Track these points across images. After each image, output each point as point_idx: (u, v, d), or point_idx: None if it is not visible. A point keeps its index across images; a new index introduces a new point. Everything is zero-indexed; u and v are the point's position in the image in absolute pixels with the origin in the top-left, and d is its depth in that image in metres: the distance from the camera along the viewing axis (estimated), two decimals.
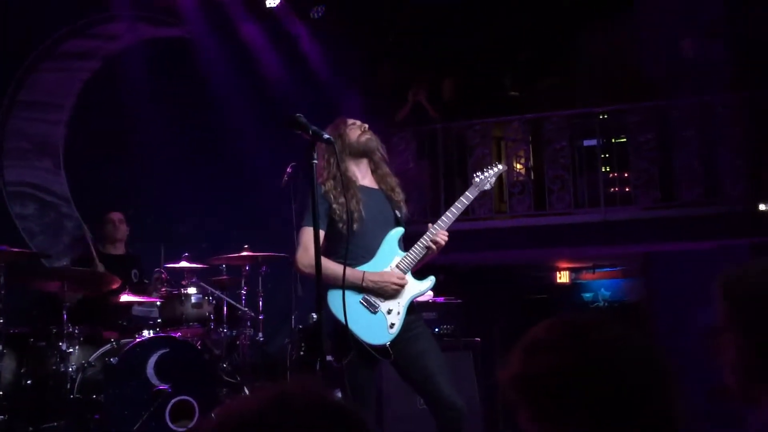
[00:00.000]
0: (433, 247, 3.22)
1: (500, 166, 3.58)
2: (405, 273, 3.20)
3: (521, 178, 8.14)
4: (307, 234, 3.06)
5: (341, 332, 2.96)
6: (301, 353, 5.40)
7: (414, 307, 3.23)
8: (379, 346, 3.08)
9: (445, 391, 3.07)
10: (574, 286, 9.38)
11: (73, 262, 5.63)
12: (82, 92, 6.71)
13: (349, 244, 3.03)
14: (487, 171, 3.51)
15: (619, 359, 1.22)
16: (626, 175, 7.77)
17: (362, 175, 3.34)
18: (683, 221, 7.17)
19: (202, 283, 5.45)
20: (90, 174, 6.55)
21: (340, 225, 3.13)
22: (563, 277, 9.55)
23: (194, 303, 5.28)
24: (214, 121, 7.05)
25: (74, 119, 6.64)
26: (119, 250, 5.76)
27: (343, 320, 2.93)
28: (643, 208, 7.46)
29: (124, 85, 6.66)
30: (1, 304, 4.61)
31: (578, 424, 1.18)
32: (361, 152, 3.33)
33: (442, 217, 3.27)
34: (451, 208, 3.30)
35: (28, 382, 4.92)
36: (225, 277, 5.72)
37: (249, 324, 5.56)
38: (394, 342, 3.11)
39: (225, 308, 5.55)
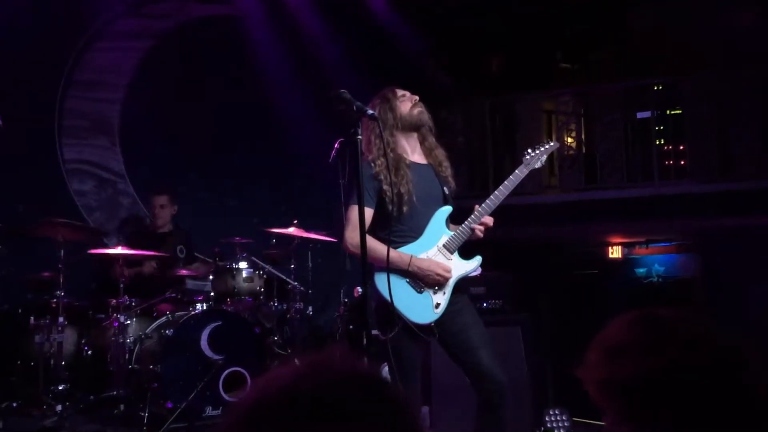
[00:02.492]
0: (479, 230, 3.19)
1: (552, 143, 3.45)
2: (452, 252, 3.18)
3: (572, 152, 8.01)
4: (355, 212, 3.07)
5: (387, 307, 2.98)
6: (350, 327, 5.47)
7: (460, 286, 3.22)
8: (424, 325, 3.09)
9: (486, 365, 3.07)
10: (626, 262, 9.20)
11: (128, 238, 5.79)
12: (136, 71, 6.85)
13: (398, 223, 3.02)
14: (538, 148, 3.39)
15: (711, 359, 1.19)
16: (681, 147, 7.57)
17: (411, 149, 3.29)
18: (740, 195, 6.96)
19: (252, 258, 5.55)
20: (144, 151, 6.70)
21: (390, 206, 3.10)
22: (615, 252, 9.39)
23: (245, 277, 5.39)
24: (264, 98, 7.11)
25: (129, 97, 6.79)
26: (165, 228, 5.88)
27: (389, 299, 2.95)
28: (699, 181, 7.26)
29: (176, 63, 6.77)
30: (62, 279, 4.79)
31: (669, 425, 1.17)
32: (412, 126, 3.27)
33: (489, 198, 3.20)
34: (500, 188, 3.22)
35: (89, 352, 5.12)
36: (275, 251, 5.81)
37: (298, 298, 5.64)
38: (438, 320, 3.12)
39: (275, 282, 5.65)
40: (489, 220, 3.21)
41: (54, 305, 4.86)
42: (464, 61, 8.38)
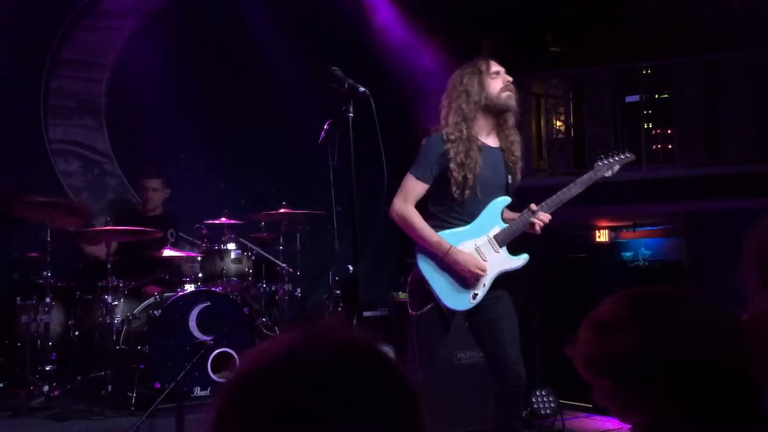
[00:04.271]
0: (539, 224, 3.11)
1: (628, 155, 3.34)
2: (501, 246, 3.11)
3: (560, 135, 8.02)
4: (412, 184, 2.99)
5: (423, 285, 2.95)
6: (339, 308, 5.47)
7: (501, 280, 3.15)
8: (458, 311, 3.06)
9: (512, 361, 3.04)
10: (613, 245, 9.24)
11: (118, 220, 5.74)
12: (123, 50, 6.77)
13: (453, 203, 2.97)
14: (612, 158, 3.29)
15: (704, 335, 1.19)
16: (669, 131, 7.58)
17: (487, 131, 3.14)
18: (728, 179, 7.00)
19: (241, 239, 5.53)
20: (131, 132, 6.64)
21: (453, 188, 3.00)
22: (602, 236, 9.42)
23: (234, 258, 5.37)
24: (255, 78, 7.05)
25: (116, 77, 6.71)
26: (156, 211, 5.84)
27: (428, 280, 2.92)
28: (687, 165, 7.29)
29: (165, 43, 6.69)
30: (49, 259, 4.75)
31: (660, 399, 1.17)
32: (496, 109, 3.11)
33: (551, 198, 3.13)
34: (564, 189, 3.15)
35: (76, 333, 5.11)
36: (263, 233, 5.79)
37: (287, 279, 5.64)
38: (470, 309, 3.08)
39: (264, 264, 5.64)
40: (546, 218, 3.13)
41: (41, 285, 4.83)
42: (452, 44, 8.33)
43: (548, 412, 5.24)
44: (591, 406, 5.58)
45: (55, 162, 6.41)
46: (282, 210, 5.51)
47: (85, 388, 4.85)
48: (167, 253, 5.23)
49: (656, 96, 7.92)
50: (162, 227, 5.54)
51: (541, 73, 8.08)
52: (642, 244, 9.46)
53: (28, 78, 6.26)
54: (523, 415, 5.20)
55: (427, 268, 2.91)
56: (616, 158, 3.31)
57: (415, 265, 3.01)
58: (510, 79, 3.17)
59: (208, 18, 6.97)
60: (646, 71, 7.81)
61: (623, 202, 7.66)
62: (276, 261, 5.67)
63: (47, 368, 4.65)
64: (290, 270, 5.67)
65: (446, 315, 3.03)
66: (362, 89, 2.70)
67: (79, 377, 4.87)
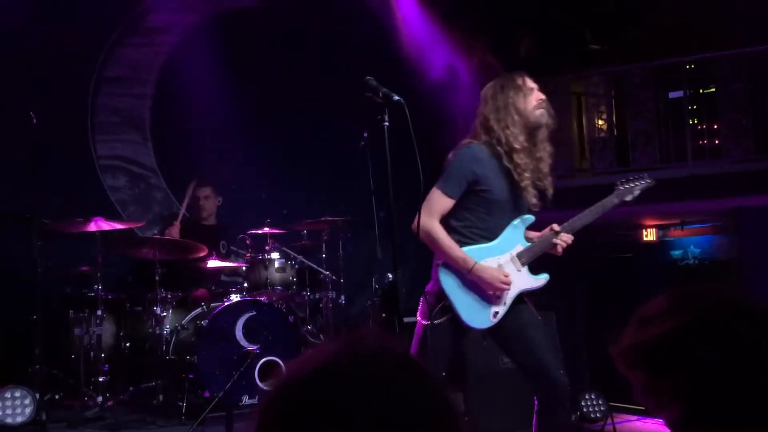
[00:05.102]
0: (561, 245, 3.09)
1: (648, 180, 3.33)
2: (524, 265, 3.08)
3: (602, 134, 7.91)
4: (437, 198, 2.96)
5: (441, 299, 2.92)
6: (383, 315, 5.49)
7: (522, 298, 3.11)
8: (478, 329, 3.02)
9: (550, 369, 2.99)
10: (661, 244, 9.06)
11: (162, 232, 5.86)
12: (164, 66, 6.91)
13: (476, 219, 2.93)
14: (633, 182, 3.28)
15: (738, 326, 1.16)
16: (715, 126, 7.42)
17: (519, 144, 3.05)
18: None
19: (284, 248, 5.59)
20: (175, 146, 6.77)
21: (482, 205, 2.97)
22: (649, 235, 9.25)
23: (278, 267, 5.43)
24: (293, 89, 7.12)
25: (159, 92, 6.86)
26: (210, 221, 5.95)
27: (449, 295, 2.89)
28: (734, 160, 7.12)
29: (205, 57, 6.81)
30: (99, 272, 4.88)
31: (693, 391, 1.15)
32: (527, 126, 3.05)
33: (573, 219, 3.12)
34: (585, 212, 3.14)
35: (127, 344, 5.22)
36: (306, 242, 5.84)
37: (330, 287, 5.68)
38: (491, 328, 3.04)
39: (307, 272, 5.69)
40: (569, 238, 3.11)
41: (92, 298, 4.95)
42: (491, 44, 8.29)
43: (598, 415, 5.16)
44: (643, 408, 5.48)
45: (103, 177, 6.57)
46: (323, 218, 5.56)
47: (136, 398, 4.96)
48: (213, 263, 5.32)
49: (701, 91, 7.76)
50: (216, 238, 5.62)
51: (581, 72, 7.98)
52: (691, 242, 9.25)
53: (75, 96, 6.44)
54: (572, 419, 5.14)
55: (448, 282, 2.88)
56: (637, 183, 3.30)
57: (434, 278, 2.98)
58: (543, 97, 3.11)
59: (248, 31, 7.08)
60: (690, 66, 7.65)
61: (670, 200, 7.51)
62: (319, 269, 5.71)
63: (100, 379, 4.76)
64: (333, 277, 5.71)
65: (459, 331, 2.98)
66: (396, 98, 2.68)
67: (131, 388, 4.98)
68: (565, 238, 3.10)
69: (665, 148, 7.45)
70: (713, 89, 7.56)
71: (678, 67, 7.58)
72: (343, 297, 5.75)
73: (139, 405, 4.89)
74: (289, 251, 5.61)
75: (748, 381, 1.13)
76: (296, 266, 5.57)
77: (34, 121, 5.02)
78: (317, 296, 5.74)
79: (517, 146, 3.01)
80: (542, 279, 3.15)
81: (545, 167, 3.13)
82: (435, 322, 2.87)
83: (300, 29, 7.23)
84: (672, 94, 7.68)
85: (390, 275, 2.64)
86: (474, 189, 3.00)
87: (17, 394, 4.33)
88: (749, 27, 7.55)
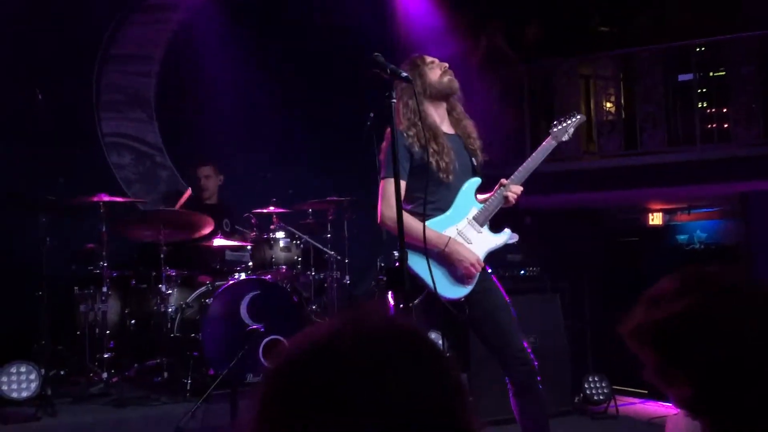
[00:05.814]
0: (512, 197, 3.13)
1: (579, 116, 3.38)
2: (482, 225, 3.13)
3: (611, 117, 7.85)
4: (389, 186, 2.97)
5: (413, 280, 2.93)
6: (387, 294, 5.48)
7: (493, 281, 3.16)
8: (455, 299, 3.05)
9: (515, 349, 3.04)
10: (667, 228, 9.05)
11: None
12: (170, 43, 6.88)
13: (430, 195, 2.94)
14: (565, 121, 3.32)
15: (745, 304, 1.17)
16: (725, 110, 7.35)
17: (440, 118, 3.19)
18: None
19: (289, 228, 5.58)
20: (180, 123, 6.76)
21: (427, 178, 2.97)
22: (656, 219, 9.23)
23: (282, 247, 5.42)
24: (299, 68, 7.08)
25: (164, 70, 6.83)
26: (212, 200, 5.94)
27: (420, 275, 2.89)
28: (743, 145, 7.07)
29: (209, 35, 6.78)
30: (104, 250, 4.88)
31: (702, 368, 1.15)
32: (442, 95, 3.16)
33: (518, 170, 3.16)
34: (528, 160, 3.18)
35: (132, 321, 5.24)
36: (311, 221, 5.83)
37: (335, 267, 5.67)
38: (468, 295, 3.07)
39: (312, 252, 5.68)
40: (518, 189, 3.15)
41: (98, 276, 4.96)
42: (500, 27, 8.23)
43: (601, 398, 5.17)
44: (646, 392, 5.48)
45: (108, 155, 6.57)
46: (328, 198, 5.54)
47: (141, 375, 4.98)
48: (218, 242, 5.31)
49: (710, 74, 7.68)
50: (218, 216, 5.63)
51: (589, 55, 7.91)
52: (697, 227, 9.24)
53: (80, 74, 6.42)
54: (575, 400, 5.15)
55: (416, 263, 2.85)
56: (570, 121, 3.33)
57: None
58: (446, 65, 3.19)
59: (254, 9, 7.03)
60: (700, 49, 7.57)
61: (677, 184, 7.47)
62: (324, 249, 5.71)
63: (105, 356, 4.78)
64: (338, 257, 5.71)
65: (433, 311, 2.99)
66: (404, 74, 2.68)
67: (135, 365, 4.99)
68: (514, 189, 3.14)
69: (674, 132, 7.40)
70: (723, 72, 7.48)
71: (688, 50, 7.50)
72: (347, 277, 5.74)
73: (144, 382, 4.91)
74: (294, 230, 5.61)
75: (757, 361, 1.13)
76: (301, 246, 5.56)
77: (40, 97, 5.00)
78: (322, 276, 5.74)
79: (435, 120, 3.12)
80: (504, 235, 3.19)
81: (473, 133, 3.23)
82: (410, 304, 2.85)
83: (306, 8, 7.18)
84: (681, 77, 7.61)
85: (396, 253, 2.60)
86: (428, 170, 3.02)
87: (23, 369, 4.35)
88: (760, 10, 7.46)
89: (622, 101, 7.93)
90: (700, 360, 1.14)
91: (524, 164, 3.17)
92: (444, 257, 3.03)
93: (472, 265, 3.03)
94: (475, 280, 3.08)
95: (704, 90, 7.63)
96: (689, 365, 1.16)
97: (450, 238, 3.02)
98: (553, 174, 6.92)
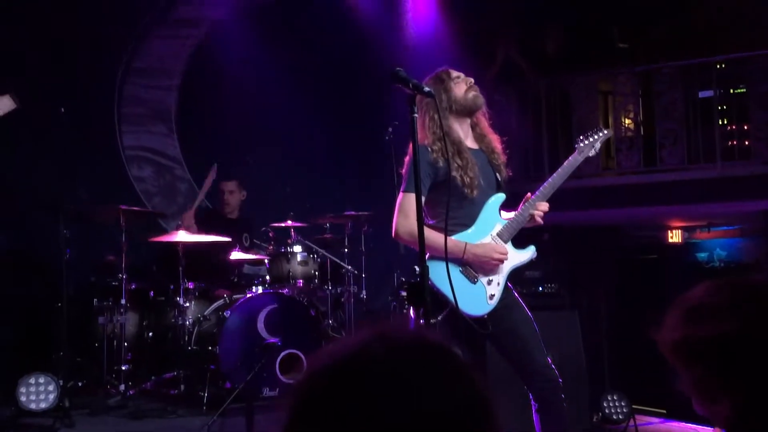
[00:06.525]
0: (539, 215, 3.08)
1: (606, 131, 3.33)
2: (505, 242, 3.07)
3: (630, 133, 7.81)
4: (408, 200, 2.95)
5: (435, 295, 2.90)
6: (404, 309, 5.47)
7: (515, 295, 3.12)
8: (478, 317, 3.00)
9: (539, 365, 2.98)
10: (687, 246, 8.96)
11: (199, 222, 5.85)
12: (191, 58, 6.95)
13: (451, 210, 2.87)
14: (592, 136, 3.27)
15: None
16: (746, 127, 7.30)
17: (464, 134, 3.15)
18: None
19: (306, 242, 5.59)
20: (200, 137, 6.81)
21: (449, 193, 2.91)
22: (675, 237, 9.16)
23: (300, 261, 5.43)
24: (319, 84, 7.12)
25: (185, 84, 6.90)
26: (233, 214, 5.97)
27: (442, 291, 2.84)
28: (764, 162, 7.00)
29: (230, 50, 6.84)
30: (124, 262, 4.92)
31: (751, 387, 1.13)
32: (467, 110, 3.13)
33: (543, 185, 3.10)
34: (554, 175, 3.12)
35: (150, 334, 5.26)
36: (328, 235, 5.84)
37: (352, 281, 5.67)
38: (491, 312, 3.04)
39: (329, 266, 5.69)
40: (544, 206, 3.10)
41: (116, 288, 4.99)
42: (518, 42, 8.25)
43: (620, 417, 5.10)
44: (665, 411, 5.40)
45: (129, 168, 6.63)
46: (346, 212, 5.56)
47: (158, 387, 4.99)
48: (236, 255, 5.33)
49: (731, 91, 7.63)
50: (238, 231, 5.64)
51: (608, 71, 7.90)
52: (717, 245, 9.14)
53: (103, 87, 6.50)
54: (594, 419, 5.08)
55: (437, 277, 2.79)
56: (596, 136, 3.28)
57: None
58: (471, 80, 3.16)
59: (275, 26, 7.09)
60: (720, 66, 7.53)
61: (697, 201, 7.41)
62: (341, 263, 5.71)
63: (123, 368, 4.79)
64: (355, 272, 5.71)
65: (455, 327, 2.94)
66: (427, 89, 2.66)
67: (153, 377, 5.01)
68: (541, 207, 3.09)
69: (694, 149, 7.34)
70: (744, 89, 7.44)
71: (709, 66, 7.47)
72: (364, 292, 5.74)
73: (161, 394, 4.93)
74: (311, 245, 5.62)
75: None
76: (318, 260, 5.57)
77: (62, 111, 5.06)
78: (339, 290, 5.74)
79: (459, 136, 3.10)
80: (529, 252, 3.14)
81: (497, 148, 3.20)
82: (432, 321, 2.81)
83: (327, 24, 7.23)
84: (702, 94, 7.56)
85: (416, 268, 2.57)
86: (438, 183, 2.99)
87: (41, 380, 4.38)
88: None
89: (641, 117, 7.89)
90: (751, 379, 1.12)
91: (549, 179, 3.12)
92: (468, 266, 3.00)
93: (497, 257, 3.00)
94: (498, 296, 3.05)
95: (724, 107, 7.58)
96: (739, 384, 1.14)
97: (466, 243, 2.97)
98: (571, 190, 6.88)
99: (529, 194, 3.14)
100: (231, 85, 6.81)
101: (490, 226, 3.10)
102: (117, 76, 6.60)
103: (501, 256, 3.02)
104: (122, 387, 4.70)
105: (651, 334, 1.22)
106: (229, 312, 4.81)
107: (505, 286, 3.09)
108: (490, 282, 3.04)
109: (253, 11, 7.16)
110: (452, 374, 0.84)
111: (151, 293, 5.38)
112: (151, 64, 6.79)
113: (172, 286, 5.16)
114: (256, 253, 5.60)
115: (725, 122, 7.53)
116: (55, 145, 5.64)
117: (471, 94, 3.14)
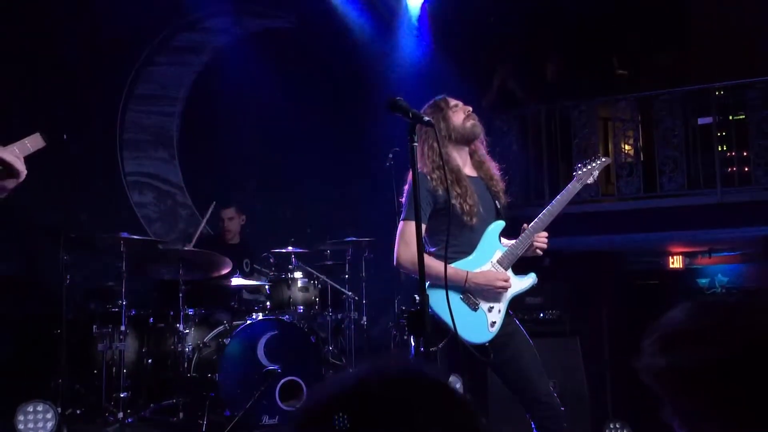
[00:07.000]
0: (540, 243, 3.09)
1: (604, 159, 3.35)
2: (506, 269, 3.07)
3: (630, 159, 7.84)
4: (409, 228, 2.95)
5: (435, 320, 2.89)
6: (404, 337, 5.45)
7: (516, 323, 3.12)
8: (480, 344, 2.99)
9: (542, 393, 2.98)
10: (688, 272, 8.94)
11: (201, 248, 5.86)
12: (194, 84, 7.00)
13: (451, 238, 2.87)
14: (591, 163, 3.29)
15: None
16: (745, 153, 7.32)
17: (463, 161, 3.17)
18: None
19: (307, 267, 5.59)
20: (202, 163, 6.84)
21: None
22: (676, 263, 9.14)
23: (300, 287, 5.42)
24: (319, 111, 7.17)
25: (187, 111, 6.94)
26: (235, 240, 5.97)
27: (443, 319, 2.82)
28: (764, 188, 7.01)
29: (232, 76, 6.90)
30: (124, 289, 4.90)
31: (735, 419, 1.11)
32: (465, 139, 3.15)
33: (542, 213, 3.10)
34: (552, 203, 3.12)
35: (149, 360, 5.23)
36: (329, 261, 5.84)
37: (353, 307, 5.66)
38: (492, 340, 3.02)
39: (329, 292, 5.67)
40: (543, 235, 3.11)
41: (116, 314, 4.98)
42: (516, 69, 8.31)
43: None
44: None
45: (131, 193, 6.64)
46: (347, 238, 5.56)
47: (157, 415, 4.95)
48: (236, 281, 5.32)
49: (730, 117, 7.67)
50: (239, 256, 5.64)
51: (608, 97, 7.94)
52: (719, 270, 9.12)
53: (105, 113, 6.54)
54: None
55: (437, 305, 2.78)
56: (595, 163, 3.30)
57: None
58: (470, 108, 3.19)
59: (277, 53, 7.15)
60: (719, 92, 7.58)
61: (698, 228, 7.41)
62: (342, 289, 5.70)
63: (122, 395, 4.76)
64: (356, 298, 5.70)
65: (456, 354, 2.93)
66: (426, 118, 2.68)
67: (152, 404, 4.97)
68: (541, 236, 3.10)
69: (693, 175, 7.36)
70: (743, 116, 7.47)
71: (707, 93, 7.51)
72: (365, 318, 5.72)
73: (160, 422, 4.88)
74: (312, 270, 5.61)
75: None
76: (319, 286, 5.56)
77: (65, 137, 5.09)
78: (339, 316, 5.73)
79: (458, 163, 3.11)
80: (530, 279, 3.14)
81: (496, 175, 3.22)
82: (432, 349, 2.79)
83: (327, 53, 7.29)
84: (701, 120, 7.60)
85: (416, 296, 2.56)
86: (438, 211, 3.00)
87: (39, 408, 4.35)
88: None
89: (641, 144, 7.92)
90: (732, 408, 1.10)
91: (548, 208, 3.12)
92: (469, 293, 3.00)
93: (500, 285, 3.00)
94: (499, 324, 3.04)
95: (724, 133, 7.61)
96: (719, 413, 1.12)
97: (468, 272, 2.97)
98: (572, 216, 6.88)
99: (525, 225, 3.13)
100: (233, 112, 6.85)
101: (490, 253, 3.10)
102: (119, 102, 6.65)
103: (504, 284, 3.02)
104: (121, 415, 4.67)
105: (631, 363, 1.20)
106: (229, 338, 4.79)
107: (506, 313, 3.08)
108: (491, 309, 3.04)
109: (255, 39, 7.23)
110: (448, 405, 0.85)
111: (151, 319, 5.36)
112: (153, 91, 6.84)
113: (171, 312, 5.14)
114: (257, 279, 5.60)
115: (725, 148, 7.56)
116: (57, 171, 5.66)
117: (469, 122, 3.16)
